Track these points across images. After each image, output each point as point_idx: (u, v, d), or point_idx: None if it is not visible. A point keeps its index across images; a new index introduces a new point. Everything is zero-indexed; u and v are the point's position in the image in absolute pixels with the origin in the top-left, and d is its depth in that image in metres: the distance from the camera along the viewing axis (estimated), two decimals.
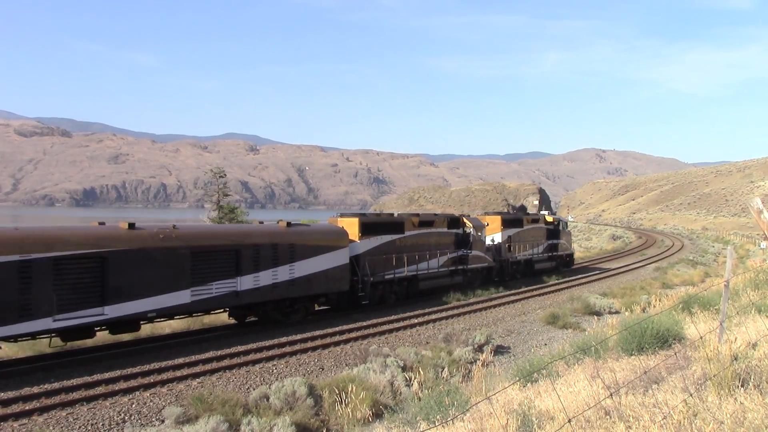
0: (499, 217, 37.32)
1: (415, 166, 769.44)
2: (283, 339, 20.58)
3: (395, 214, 31.18)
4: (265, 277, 21.75)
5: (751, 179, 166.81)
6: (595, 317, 24.68)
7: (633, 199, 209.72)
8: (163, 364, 17.24)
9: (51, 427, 12.70)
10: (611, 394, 7.06)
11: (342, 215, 27.64)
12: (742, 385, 6.98)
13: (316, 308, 25.48)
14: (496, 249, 35.93)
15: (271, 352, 18.98)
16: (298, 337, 20.99)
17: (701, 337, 9.45)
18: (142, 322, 19.19)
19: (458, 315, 26.28)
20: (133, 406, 14.06)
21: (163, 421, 12.95)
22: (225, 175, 50.63)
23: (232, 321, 23.29)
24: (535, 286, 35.38)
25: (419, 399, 11.02)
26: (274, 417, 12.39)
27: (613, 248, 71.22)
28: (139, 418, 13.42)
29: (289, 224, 23.86)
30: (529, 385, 10.04)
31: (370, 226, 27.22)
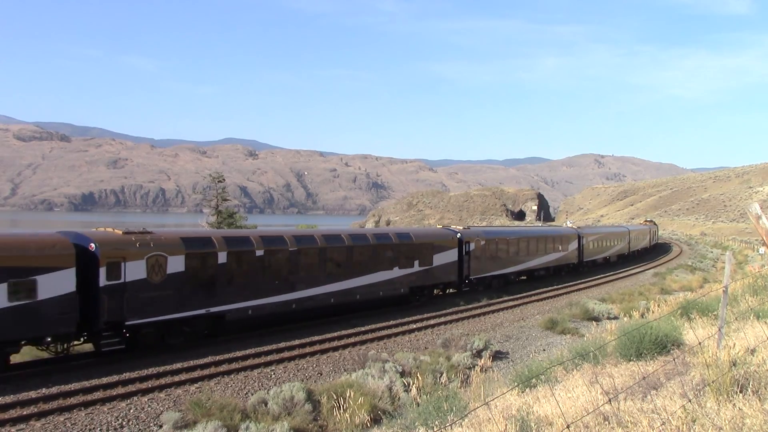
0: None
1: (414, 171, 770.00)
2: (282, 344, 20.55)
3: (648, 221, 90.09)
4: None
5: (750, 185, 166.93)
6: (594, 323, 24.67)
7: (631, 205, 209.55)
8: (161, 369, 17.22)
9: None
10: (610, 400, 7.05)
11: (646, 221, 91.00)
12: (741, 391, 6.97)
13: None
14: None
15: (269, 358, 18.96)
16: (297, 342, 20.96)
17: (700, 343, 9.46)
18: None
19: (457, 320, 26.26)
20: (131, 411, 14.04)
21: (161, 426, 12.93)
22: (224, 179, 50.59)
23: None
24: (533, 291, 35.38)
25: (417, 404, 10.99)
26: (272, 422, 12.38)
27: None
28: (137, 423, 13.39)
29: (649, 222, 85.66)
30: (527, 390, 10.02)
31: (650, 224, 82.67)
